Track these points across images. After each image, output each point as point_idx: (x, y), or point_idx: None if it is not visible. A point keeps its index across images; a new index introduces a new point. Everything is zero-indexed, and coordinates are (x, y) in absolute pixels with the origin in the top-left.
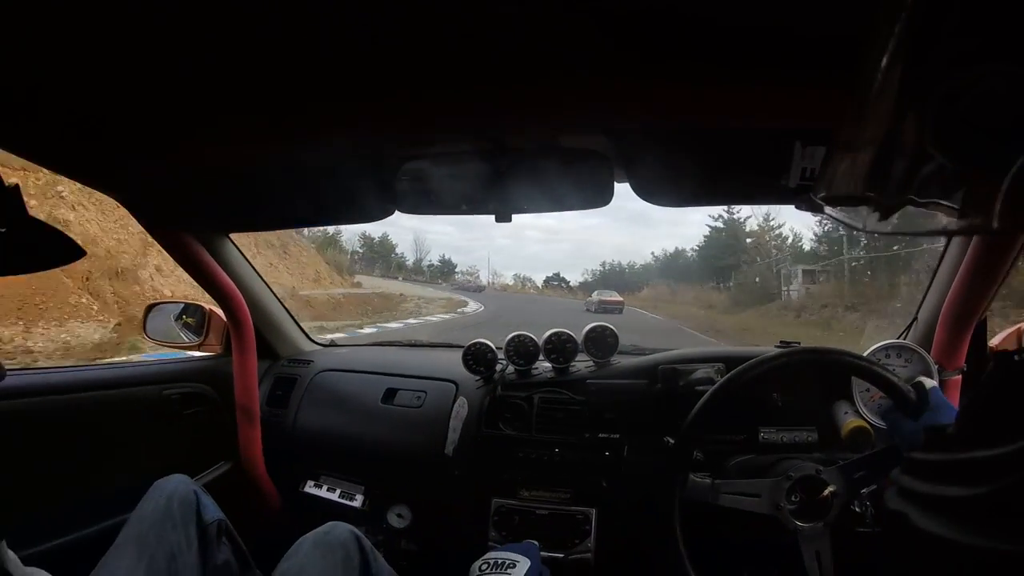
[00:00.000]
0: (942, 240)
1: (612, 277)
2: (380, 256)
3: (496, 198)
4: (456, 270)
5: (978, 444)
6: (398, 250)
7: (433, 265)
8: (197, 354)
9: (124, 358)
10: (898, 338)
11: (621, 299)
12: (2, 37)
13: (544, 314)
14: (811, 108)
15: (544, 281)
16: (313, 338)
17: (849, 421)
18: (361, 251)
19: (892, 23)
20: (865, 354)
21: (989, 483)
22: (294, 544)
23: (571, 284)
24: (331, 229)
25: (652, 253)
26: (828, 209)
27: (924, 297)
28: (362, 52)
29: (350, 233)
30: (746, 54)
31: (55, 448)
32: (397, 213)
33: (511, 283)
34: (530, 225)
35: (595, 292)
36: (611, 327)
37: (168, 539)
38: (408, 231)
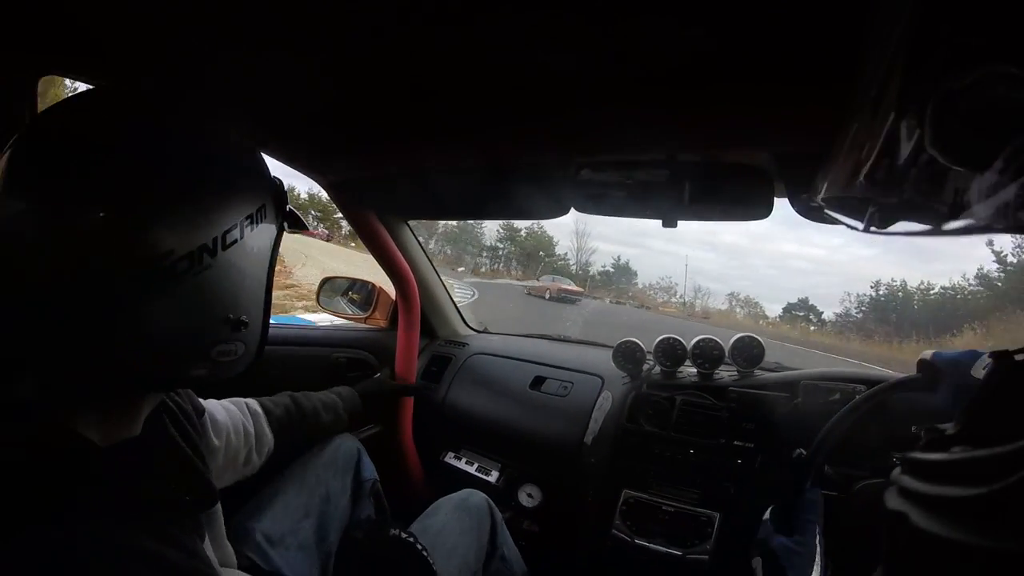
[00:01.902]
0: None
1: (887, 307)
2: (527, 254)
3: (663, 204)
4: (634, 281)
5: (978, 444)
6: (559, 251)
7: (606, 271)
8: (362, 326)
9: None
10: None
11: (580, 289)
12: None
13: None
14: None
15: (784, 310)
16: (469, 323)
17: None
18: (502, 246)
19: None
20: None
21: (989, 483)
22: (433, 504)
23: (823, 317)
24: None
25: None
26: (828, 210)
27: None
28: (554, 74)
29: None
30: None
31: (245, 387)
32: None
33: (723, 307)
34: (794, 255)
35: (546, 277)
36: (758, 338)
37: (327, 483)
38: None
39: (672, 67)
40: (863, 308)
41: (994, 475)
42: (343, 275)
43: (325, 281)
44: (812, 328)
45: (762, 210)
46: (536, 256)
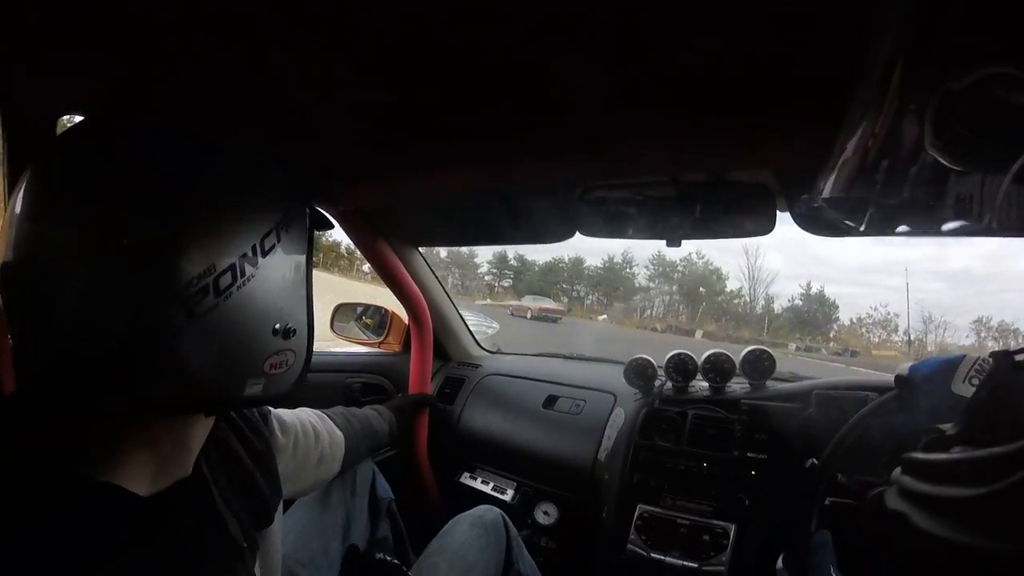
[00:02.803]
0: None
1: None
2: (684, 292)
3: (667, 226)
4: (834, 316)
5: (978, 444)
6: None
7: (794, 305)
8: (375, 350)
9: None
10: None
11: (560, 307)
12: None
13: None
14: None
15: None
16: (483, 345)
17: None
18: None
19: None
20: None
21: (989, 483)
22: (450, 522)
23: None
24: None
25: None
26: (825, 212)
27: None
28: (562, 97)
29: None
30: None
31: None
32: None
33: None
34: None
35: (528, 298)
36: (768, 351)
37: (347, 504)
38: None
39: (677, 85)
40: None
41: (993, 475)
42: (354, 302)
43: (339, 308)
44: None
45: (766, 226)
46: (696, 295)
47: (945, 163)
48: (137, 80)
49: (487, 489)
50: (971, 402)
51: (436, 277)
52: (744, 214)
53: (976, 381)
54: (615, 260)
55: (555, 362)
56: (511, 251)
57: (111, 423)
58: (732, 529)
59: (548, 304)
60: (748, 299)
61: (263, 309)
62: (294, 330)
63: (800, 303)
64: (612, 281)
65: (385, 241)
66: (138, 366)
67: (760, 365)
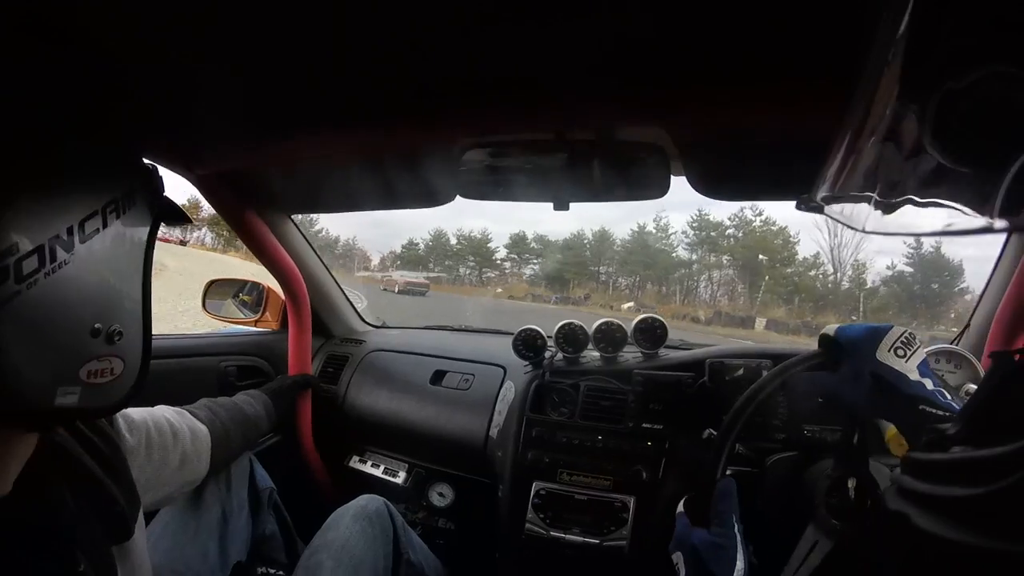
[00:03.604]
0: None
1: None
2: (740, 265)
3: (555, 187)
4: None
5: (978, 444)
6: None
7: (898, 273)
8: (253, 329)
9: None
10: (951, 343)
11: (425, 280)
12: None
13: None
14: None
15: None
16: (366, 319)
17: (890, 427)
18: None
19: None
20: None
21: (989, 483)
22: (332, 516)
23: None
24: None
25: None
26: (828, 210)
27: (978, 303)
28: (430, 60)
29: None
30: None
31: None
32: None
33: None
34: None
35: (398, 273)
36: (660, 319)
37: (222, 501)
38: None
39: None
40: None
41: (993, 475)
42: (230, 277)
43: (211, 284)
44: None
45: (658, 189)
46: (756, 266)
47: (945, 163)
48: None
49: (378, 472)
50: (971, 402)
51: (313, 248)
52: (637, 176)
53: (901, 352)
54: (646, 228)
55: (441, 335)
56: (529, 231)
57: None
58: (631, 502)
59: (413, 278)
60: (832, 268)
61: (79, 304)
62: (120, 333)
63: (908, 270)
64: (642, 256)
65: (253, 210)
66: None
67: (652, 333)
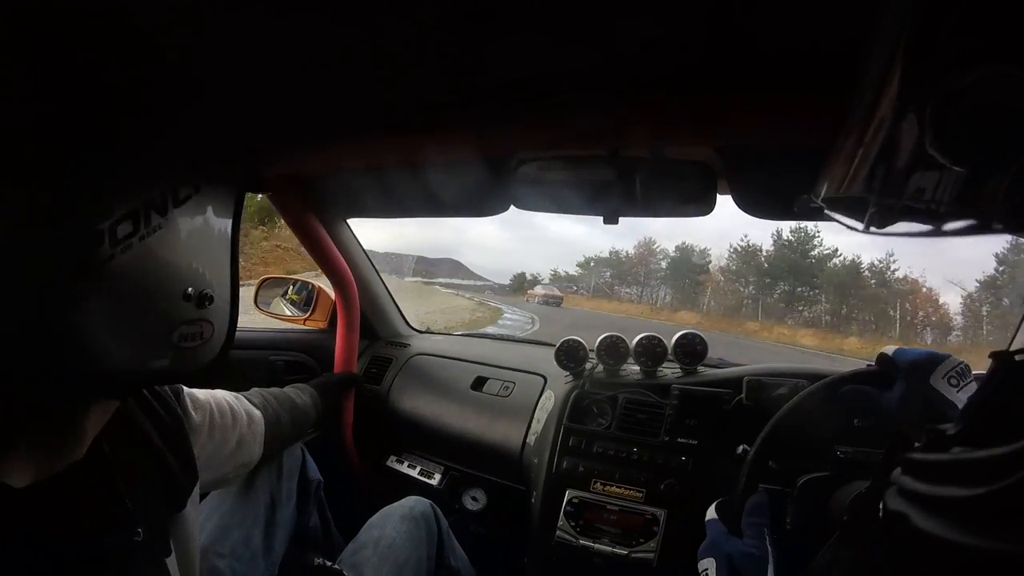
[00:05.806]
0: None
1: None
2: None
3: (605, 201)
4: None
5: (978, 444)
6: None
7: None
8: (301, 327)
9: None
10: None
11: (560, 293)
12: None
13: None
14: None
15: None
16: (411, 324)
17: None
18: None
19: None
20: None
21: (989, 483)
22: (378, 514)
23: None
24: None
25: None
26: (828, 210)
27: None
28: (490, 73)
29: None
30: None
31: None
32: None
33: None
34: None
35: (539, 287)
36: (701, 335)
37: (272, 489)
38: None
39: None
40: None
41: (994, 475)
42: (281, 275)
43: (264, 281)
44: None
45: (705, 206)
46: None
47: (945, 163)
48: None
49: (414, 473)
50: (971, 402)
51: (365, 252)
52: (685, 193)
53: (954, 382)
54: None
55: (484, 343)
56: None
57: None
58: (662, 515)
59: (550, 291)
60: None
61: (172, 268)
62: (211, 298)
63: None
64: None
65: (312, 213)
66: (16, 345)
67: (692, 349)
